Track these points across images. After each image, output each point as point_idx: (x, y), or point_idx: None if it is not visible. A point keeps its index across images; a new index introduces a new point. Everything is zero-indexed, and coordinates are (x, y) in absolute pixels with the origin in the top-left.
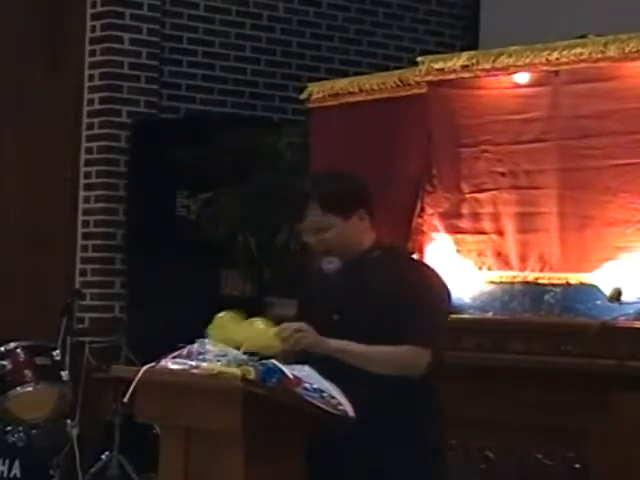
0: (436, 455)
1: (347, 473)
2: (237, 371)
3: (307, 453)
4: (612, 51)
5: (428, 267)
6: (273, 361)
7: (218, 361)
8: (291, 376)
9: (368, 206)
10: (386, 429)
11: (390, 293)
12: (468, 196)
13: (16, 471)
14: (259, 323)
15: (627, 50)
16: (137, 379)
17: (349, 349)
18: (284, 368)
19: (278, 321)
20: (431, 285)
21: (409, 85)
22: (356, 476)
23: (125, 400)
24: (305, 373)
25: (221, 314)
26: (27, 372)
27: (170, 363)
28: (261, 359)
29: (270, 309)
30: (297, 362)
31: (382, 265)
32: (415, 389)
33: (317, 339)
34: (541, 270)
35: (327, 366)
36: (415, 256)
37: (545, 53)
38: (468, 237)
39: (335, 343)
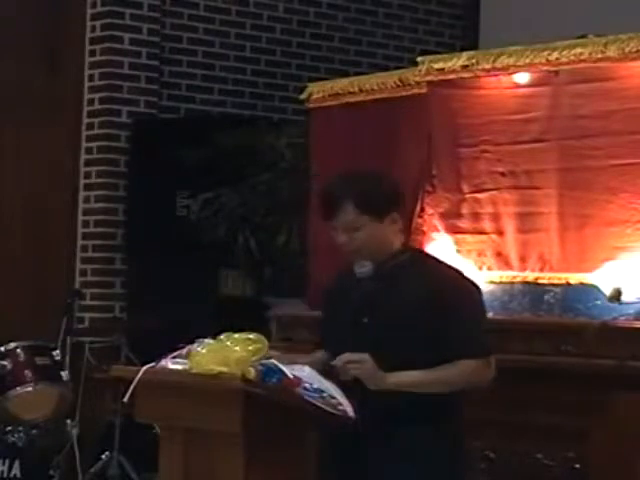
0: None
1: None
2: (237, 371)
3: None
4: (612, 51)
5: (458, 271)
6: (273, 361)
7: None
8: (291, 376)
9: (401, 209)
10: (400, 440)
11: (424, 298)
12: (468, 196)
13: (16, 471)
14: (237, 349)
15: (627, 50)
16: (137, 379)
17: (408, 382)
18: (284, 368)
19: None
20: (468, 290)
21: (409, 85)
22: None
23: (125, 400)
24: (305, 373)
25: (198, 348)
26: (27, 372)
27: (170, 363)
28: None
29: (270, 309)
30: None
31: (413, 269)
32: (435, 403)
33: (372, 372)
34: (541, 270)
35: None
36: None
37: (545, 53)
38: (468, 237)
39: (393, 378)
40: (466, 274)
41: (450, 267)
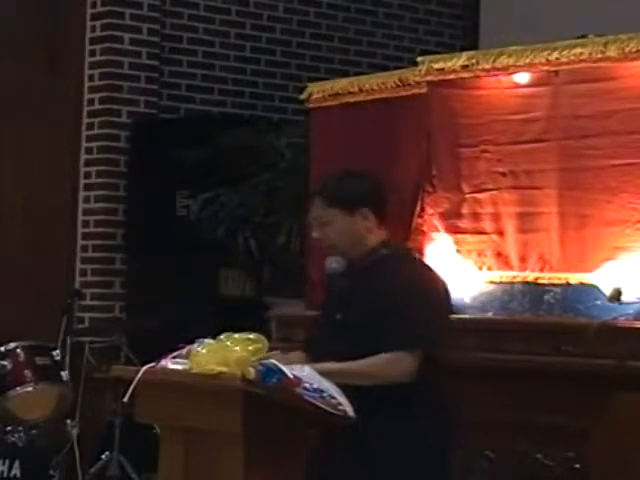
0: (429, 459)
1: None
2: (237, 371)
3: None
4: (612, 51)
5: (427, 269)
6: (273, 361)
7: None
8: (291, 376)
9: (375, 206)
10: (372, 430)
11: (383, 294)
12: (468, 196)
13: (16, 471)
14: (237, 349)
15: (627, 50)
16: (137, 379)
17: (323, 371)
18: (284, 368)
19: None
20: (422, 286)
21: (409, 85)
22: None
23: (125, 400)
24: (305, 373)
25: (199, 348)
26: (27, 372)
27: (170, 363)
28: None
29: (270, 309)
30: None
31: (383, 266)
32: (400, 391)
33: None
34: (541, 270)
35: None
36: (419, 257)
37: (545, 53)
38: (468, 237)
39: (316, 366)
40: (435, 274)
41: (419, 264)
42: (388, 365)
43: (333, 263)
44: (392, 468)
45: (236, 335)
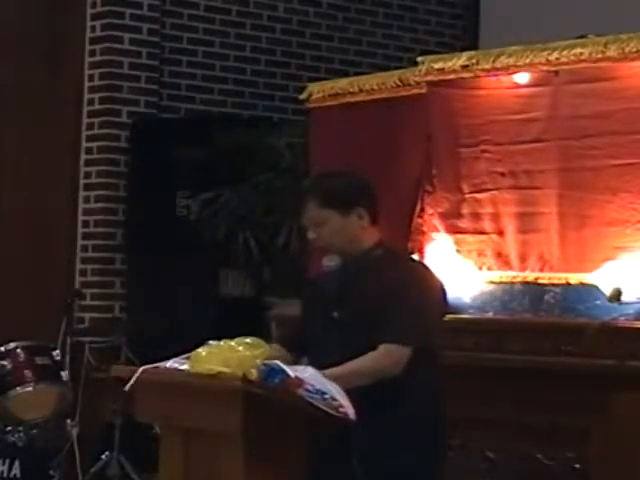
0: (418, 458)
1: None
2: (238, 371)
3: None
4: (612, 51)
5: (422, 267)
6: (277, 362)
7: None
8: (293, 377)
9: (369, 206)
10: (370, 427)
11: (380, 293)
12: (468, 196)
13: (16, 471)
14: (241, 349)
15: (627, 50)
16: (138, 373)
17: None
18: (287, 369)
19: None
20: (417, 283)
21: (409, 85)
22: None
23: (126, 389)
24: (308, 374)
25: (199, 348)
26: (27, 372)
27: (170, 363)
28: None
29: (270, 309)
30: None
31: (380, 265)
32: (395, 387)
33: None
34: (541, 270)
35: None
36: (415, 257)
37: (545, 53)
38: (468, 237)
39: None
40: (431, 271)
41: (415, 264)
42: (379, 358)
43: (331, 261)
44: (389, 469)
45: (235, 340)
